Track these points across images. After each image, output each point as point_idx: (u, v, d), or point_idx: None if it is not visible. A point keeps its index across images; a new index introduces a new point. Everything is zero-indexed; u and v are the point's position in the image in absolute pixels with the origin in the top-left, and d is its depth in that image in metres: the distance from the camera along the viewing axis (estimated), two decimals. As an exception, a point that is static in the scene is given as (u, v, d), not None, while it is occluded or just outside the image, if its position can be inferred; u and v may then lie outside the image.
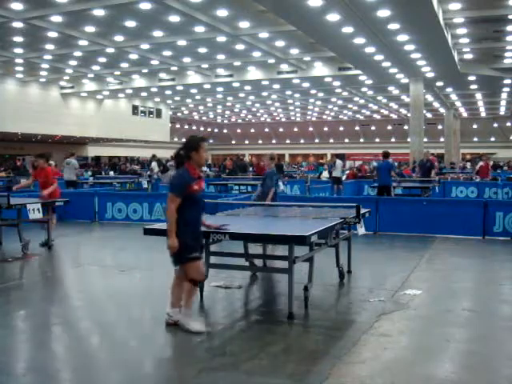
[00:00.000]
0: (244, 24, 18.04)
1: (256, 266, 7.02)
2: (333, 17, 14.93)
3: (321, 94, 34.66)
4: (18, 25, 18.02)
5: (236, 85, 29.95)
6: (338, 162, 20.01)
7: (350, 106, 42.60)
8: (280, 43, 20.70)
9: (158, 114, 42.10)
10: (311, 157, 59.27)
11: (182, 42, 20.39)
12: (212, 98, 37.41)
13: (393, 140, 53.01)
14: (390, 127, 53.76)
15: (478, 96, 34.99)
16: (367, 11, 14.41)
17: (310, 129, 57.47)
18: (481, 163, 21.69)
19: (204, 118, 55.37)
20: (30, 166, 10.34)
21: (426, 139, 29.16)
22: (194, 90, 32.45)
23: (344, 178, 21.08)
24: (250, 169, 35.41)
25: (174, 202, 4.77)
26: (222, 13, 16.66)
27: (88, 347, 4.79)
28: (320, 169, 29.45)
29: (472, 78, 25.95)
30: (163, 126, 42.84)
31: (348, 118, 53.10)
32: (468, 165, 35.88)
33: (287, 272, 5.27)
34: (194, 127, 57.67)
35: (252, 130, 60.54)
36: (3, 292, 6.61)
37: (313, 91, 32.83)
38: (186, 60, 24.50)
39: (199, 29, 18.52)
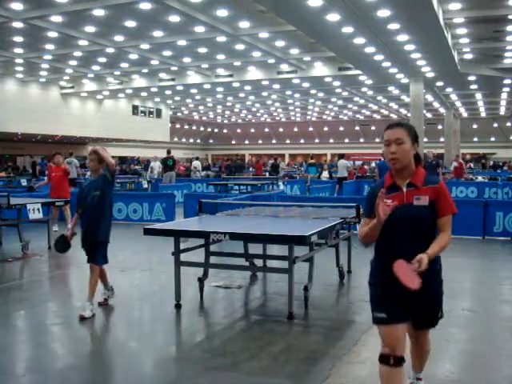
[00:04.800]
0: (244, 24, 18.03)
1: (256, 266, 7.02)
2: (333, 17, 14.91)
3: (321, 94, 34.61)
4: (18, 25, 17.99)
5: (236, 85, 29.91)
6: (342, 162, 19.88)
7: (350, 106, 42.54)
8: (280, 43, 20.67)
9: (158, 114, 42.06)
10: (298, 156, 58.74)
11: (181, 42, 20.36)
12: (212, 98, 37.36)
13: (393, 140, 52.96)
14: (390, 127, 53.69)
15: (478, 96, 34.93)
16: (367, 11, 14.39)
17: (310, 129, 57.44)
18: (455, 164, 22.31)
19: (204, 118, 55.32)
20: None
21: (425, 139, 29.22)
22: (194, 90, 32.40)
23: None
24: (251, 168, 35.53)
25: None
26: (222, 13, 16.64)
27: (88, 347, 4.79)
28: (310, 170, 25.93)
29: (472, 77, 25.92)
30: (163, 126, 42.78)
31: (348, 118, 53.06)
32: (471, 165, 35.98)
33: (287, 272, 5.27)
34: (194, 127, 57.67)
35: (252, 130, 60.52)
36: (3, 292, 6.61)
37: (313, 91, 32.78)
38: (186, 60, 24.48)
39: (199, 29, 18.50)
